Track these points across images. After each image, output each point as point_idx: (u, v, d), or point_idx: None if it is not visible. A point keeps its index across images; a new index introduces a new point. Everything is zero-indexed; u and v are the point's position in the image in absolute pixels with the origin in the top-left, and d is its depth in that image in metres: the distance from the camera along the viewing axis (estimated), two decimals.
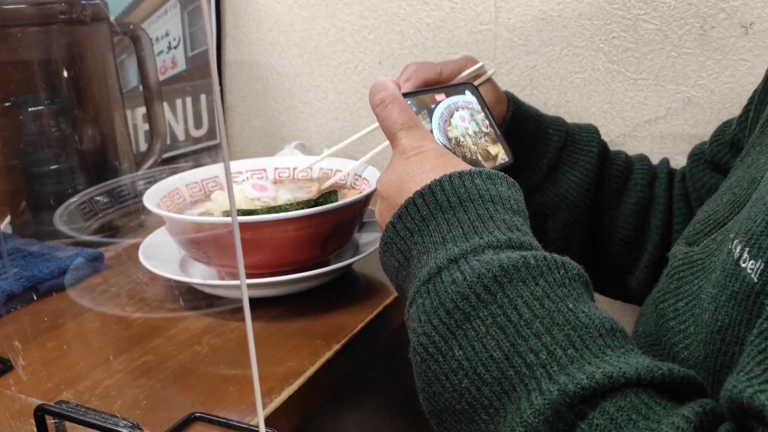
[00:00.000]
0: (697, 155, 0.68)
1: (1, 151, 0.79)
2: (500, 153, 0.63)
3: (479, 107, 0.64)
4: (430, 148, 0.48)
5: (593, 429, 0.31)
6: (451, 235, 0.41)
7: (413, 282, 0.42)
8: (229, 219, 0.61)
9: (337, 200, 0.64)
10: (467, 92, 0.64)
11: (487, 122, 0.64)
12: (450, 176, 0.43)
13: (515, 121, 0.69)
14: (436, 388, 0.37)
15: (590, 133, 0.71)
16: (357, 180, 0.74)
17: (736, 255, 0.37)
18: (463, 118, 0.61)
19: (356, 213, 0.67)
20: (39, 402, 0.48)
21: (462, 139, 0.59)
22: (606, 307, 0.90)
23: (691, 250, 0.46)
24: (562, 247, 0.72)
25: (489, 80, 0.70)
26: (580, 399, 0.31)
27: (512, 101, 0.70)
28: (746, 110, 0.61)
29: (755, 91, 0.60)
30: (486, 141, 0.62)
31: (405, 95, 0.55)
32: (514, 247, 0.39)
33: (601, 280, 0.76)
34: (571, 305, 0.35)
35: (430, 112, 0.59)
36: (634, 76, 0.84)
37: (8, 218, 0.82)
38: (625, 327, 0.36)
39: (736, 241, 0.37)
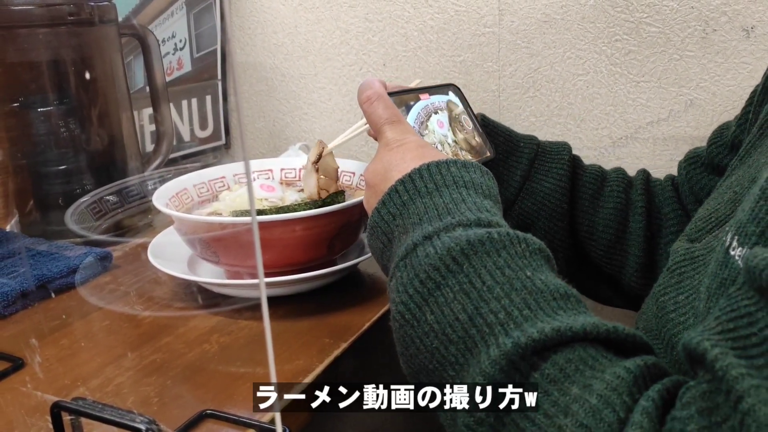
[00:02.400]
0: (692, 159, 0.70)
1: (10, 150, 0.79)
2: (482, 151, 0.65)
3: (462, 107, 0.65)
4: (411, 140, 0.53)
5: (545, 378, 0.34)
6: (427, 216, 0.45)
7: (393, 259, 0.45)
8: (238, 219, 0.61)
9: (344, 200, 0.64)
10: (450, 93, 0.65)
11: (469, 120, 0.65)
12: (428, 165, 0.48)
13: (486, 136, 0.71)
14: (412, 351, 0.41)
15: (561, 145, 0.73)
16: (362, 181, 0.75)
17: (727, 244, 0.39)
18: (441, 123, 0.63)
19: (363, 213, 0.67)
20: (52, 398, 0.49)
21: (440, 147, 0.61)
22: (610, 313, 0.91)
23: (693, 246, 0.48)
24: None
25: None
26: (532, 351, 0.35)
27: (481, 118, 0.72)
28: (745, 111, 0.62)
29: (754, 91, 0.61)
30: (468, 153, 0.63)
31: (390, 94, 0.58)
32: (482, 225, 0.43)
33: (595, 288, 0.77)
34: (529, 273, 0.39)
35: (408, 109, 0.61)
36: (637, 78, 0.85)
37: (16, 217, 0.82)
38: (628, 326, 0.38)
39: (730, 233, 0.39)
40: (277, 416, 0.28)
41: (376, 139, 0.57)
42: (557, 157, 0.71)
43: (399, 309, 0.42)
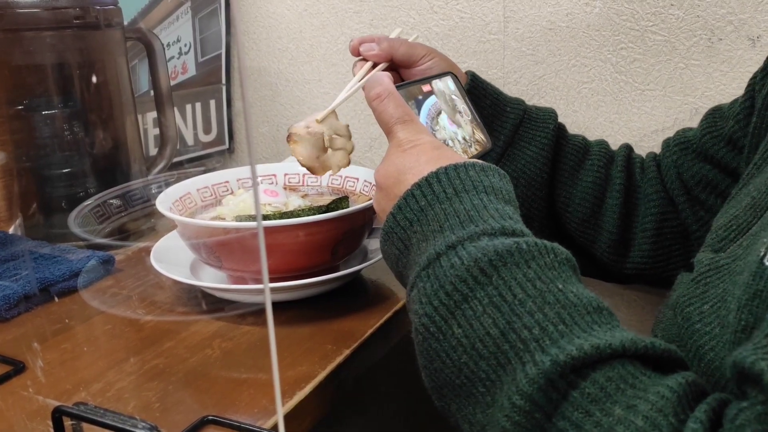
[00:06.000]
0: (683, 143, 0.69)
1: (14, 153, 0.79)
2: (481, 140, 0.64)
3: (460, 96, 0.65)
4: (425, 141, 0.51)
5: (585, 397, 0.33)
6: (448, 223, 0.43)
7: (413, 268, 0.44)
8: (242, 224, 0.61)
9: (348, 206, 0.64)
10: (449, 82, 0.65)
11: (468, 110, 0.65)
12: (446, 168, 0.46)
13: (471, 98, 0.70)
14: (437, 365, 0.40)
15: (547, 113, 0.72)
16: (366, 187, 0.74)
17: (761, 254, 0.38)
18: (450, 121, 0.62)
19: (366, 219, 0.67)
20: (53, 403, 0.48)
21: (450, 143, 0.60)
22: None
23: (717, 256, 0.47)
24: (524, 223, 0.74)
25: (442, 58, 0.70)
26: (570, 369, 0.34)
27: (471, 79, 0.71)
28: (743, 106, 0.61)
29: (752, 88, 0.60)
30: (475, 150, 0.63)
31: (397, 87, 0.57)
32: (507, 234, 0.42)
33: None
34: (560, 286, 0.38)
35: (418, 104, 0.60)
36: (642, 86, 0.85)
37: (20, 220, 0.82)
38: (637, 333, 0.37)
39: (766, 244, 0.39)
40: (281, 423, 0.28)
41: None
42: (542, 125, 0.71)
43: (423, 321, 0.40)
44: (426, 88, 0.62)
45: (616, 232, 0.70)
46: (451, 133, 0.61)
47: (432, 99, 0.62)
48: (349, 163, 0.63)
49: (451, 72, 0.67)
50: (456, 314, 0.39)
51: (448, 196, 0.45)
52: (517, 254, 0.39)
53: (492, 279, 0.39)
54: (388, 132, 0.53)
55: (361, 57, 0.67)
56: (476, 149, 0.63)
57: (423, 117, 0.60)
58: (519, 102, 0.72)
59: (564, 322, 0.36)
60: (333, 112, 0.64)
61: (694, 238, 0.68)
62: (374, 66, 0.67)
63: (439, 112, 0.61)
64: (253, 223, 0.60)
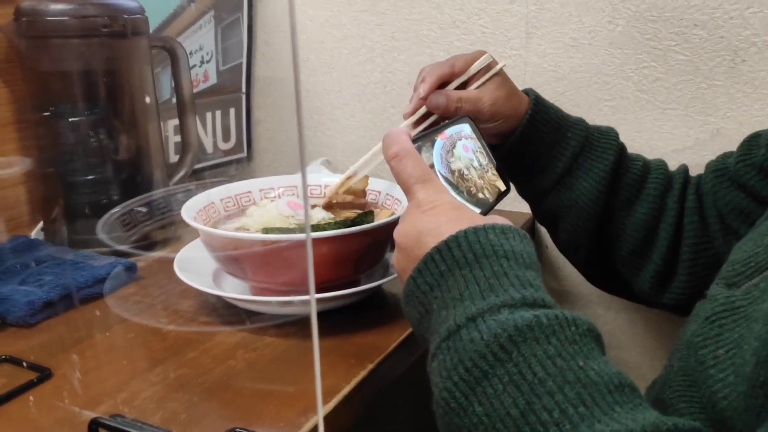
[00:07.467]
0: (721, 170, 0.68)
1: (39, 159, 0.80)
2: (498, 183, 0.64)
3: (477, 140, 0.64)
4: (444, 202, 0.51)
5: None
6: (468, 292, 0.43)
7: (434, 336, 0.44)
8: (273, 236, 0.61)
9: (373, 220, 0.64)
10: (465, 127, 0.64)
11: (485, 153, 0.64)
12: (465, 232, 0.46)
13: (533, 124, 0.68)
14: None
15: (609, 139, 0.70)
16: (388, 200, 0.75)
17: None
18: (466, 148, 0.62)
19: (390, 233, 0.67)
20: (81, 411, 0.49)
21: (466, 171, 0.60)
22: (628, 332, 0.90)
23: (732, 294, 0.46)
24: (570, 250, 0.74)
25: (507, 81, 0.69)
26: None
27: (533, 102, 0.69)
28: None
29: None
30: (493, 175, 0.62)
31: (414, 138, 0.57)
32: (528, 305, 0.42)
33: (607, 282, 0.76)
34: (581, 363, 0.38)
35: (433, 144, 0.60)
36: (663, 105, 0.85)
37: (41, 225, 0.83)
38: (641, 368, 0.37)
39: None
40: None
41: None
42: (603, 155, 0.69)
43: (443, 396, 0.40)
44: (442, 137, 0.61)
45: (661, 264, 0.68)
46: (467, 161, 0.60)
47: (448, 132, 0.61)
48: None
49: (467, 116, 0.65)
50: (476, 391, 0.39)
51: (468, 261, 0.44)
52: (537, 329, 0.39)
53: (512, 355, 0.38)
54: (407, 191, 0.53)
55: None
56: (493, 174, 0.62)
57: (437, 152, 0.59)
58: (581, 127, 0.70)
59: (584, 403, 0.36)
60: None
61: None
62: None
63: (454, 144, 0.61)
64: (289, 236, 0.60)
